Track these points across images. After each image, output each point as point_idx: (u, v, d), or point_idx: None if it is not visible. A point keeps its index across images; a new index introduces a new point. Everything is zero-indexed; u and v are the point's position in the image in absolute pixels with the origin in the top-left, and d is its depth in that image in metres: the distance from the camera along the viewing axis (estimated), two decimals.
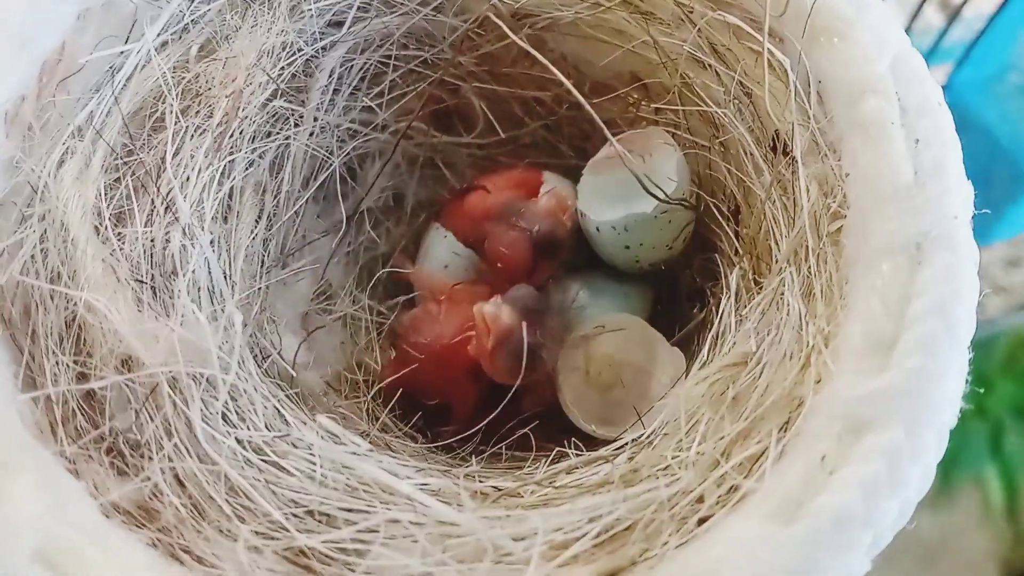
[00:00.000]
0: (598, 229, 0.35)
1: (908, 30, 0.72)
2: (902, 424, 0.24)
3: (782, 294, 0.29)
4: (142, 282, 0.28)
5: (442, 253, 0.38)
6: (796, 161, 0.29)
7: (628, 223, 0.34)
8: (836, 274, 0.28)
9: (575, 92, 0.29)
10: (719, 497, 0.26)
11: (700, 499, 0.26)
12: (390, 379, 0.35)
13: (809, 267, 0.28)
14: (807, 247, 0.29)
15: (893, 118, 0.28)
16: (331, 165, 0.36)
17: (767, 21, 0.29)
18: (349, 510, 0.26)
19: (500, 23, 0.31)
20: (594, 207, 0.35)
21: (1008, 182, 0.81)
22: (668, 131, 0.36)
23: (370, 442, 0.32)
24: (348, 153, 0.37)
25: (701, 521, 0.25)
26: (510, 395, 0.32)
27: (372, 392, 0.35)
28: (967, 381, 0.26)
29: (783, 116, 0.30)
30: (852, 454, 0.24)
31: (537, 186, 0.36)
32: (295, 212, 0.35)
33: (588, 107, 0.29)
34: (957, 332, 0.26)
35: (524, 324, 0.32)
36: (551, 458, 0.30)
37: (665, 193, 0.32)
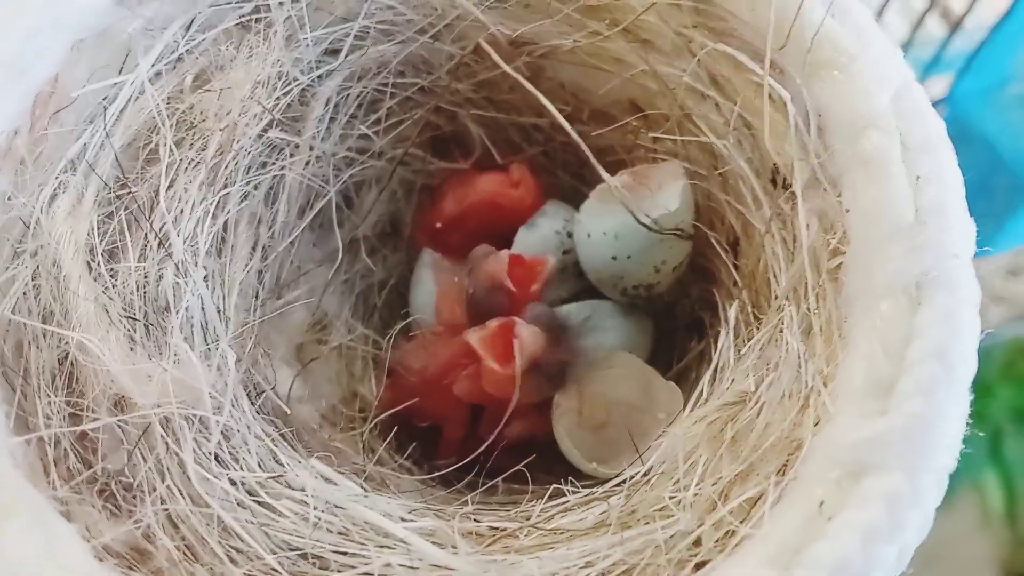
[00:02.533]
0: (589, 235, 0.34)
1: (910, 41, 0.72)
2: (902, 469, 0.24)
3: (781, 331, 0.28)
4: (135, 319, 0.28)
5: (426, 277, 0.37)
6: (796, 195, 0.29)
7: (619, 231, 0.33)
8: (836, 312, 0.28)
9: (567, 126, 0.29)
10: (716, 541, 0.25)
11: (697, 542, 0.26)
12: (389, 410, 0.35)
13: (808, 304, 0.28)
14: (806, 284, 0.28)
15: (894, 155, 0.28)
16: (327, 194, 0.36)
17: (768, 54, 0.29)
18: (343, 553, 0.26)
19: (491, 52, 0.31)
20: (590, 214, 0.35)
21: (1009, 193, 0.80)
22: (667, 159, 0.35)
23: (366, 477, 0.32)
24: (344, 181, 0.37)
25: (698, 567, 0.25)
26: (503, 422, 0.32)
27: (368, 424, 0.34)
28: (968, 424, 0.26)
29: (783, 149, 0.30)
30: (851, 499, 0.24)
31: (535, 197, 0.36)
32: (290, 242, 0.35)
33: (578, 138, 0.29)
34: (957, 374, 0.25)
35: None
36: (547, 496, 0.30)
37: (655, 220, 0.32)
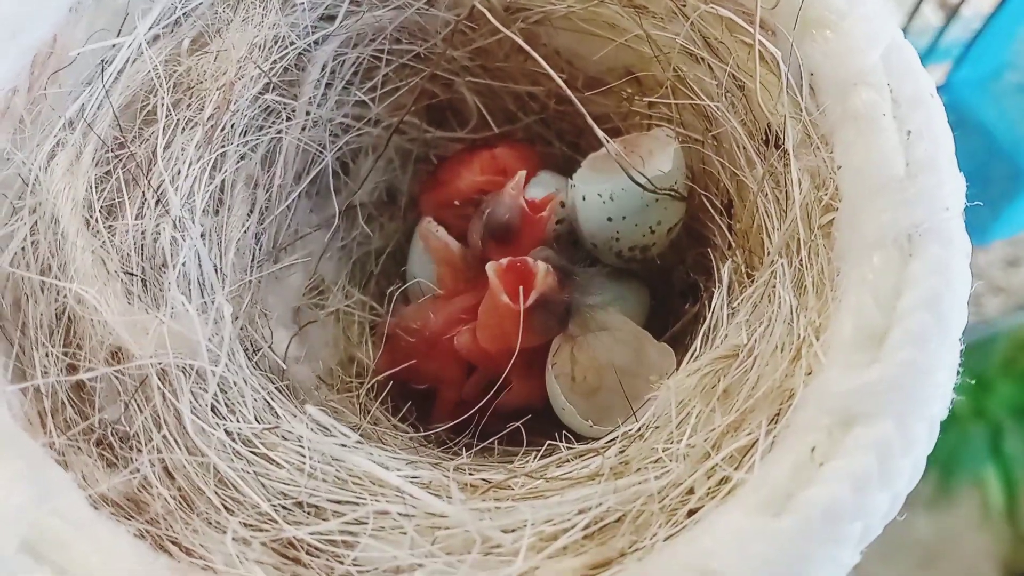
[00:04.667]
0: (584, 198, 0.35)
1: (906, 29, 0.72)
2: (892, 417, 0.24)
3: (773, 287, 0.29)
4: (132, 274, 0.28)
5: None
6: (788, 154, 0.29)
7: (614, 192, 0.34)
8: (827, 266, 0.28)
9: (566, 89, 0.29)
10: (709, 489, 0.26)
11: (690, 491, 0.26)
12: (387, 371, 0.35)
13: (801, 259, 0.28)
14: (799, 240, 0.29)
15: (885, 110, 0.28)
16: (324, 160, 0.36)
17: (758, 13, 0.29)
18: (338, 502, 0.26)
19: (489, 16, 0.31)
20: (585, 179, 0.35)
21: (1006, 181, 0.80)
22: (662, 125, 0.36)
23: (361, 435, 0.32)
24: (341, 148, 0.37)
25: (691, 513, 0.25)
26: (496, 387, 0.32)
27: (365, 385, 0.34)
28: (959, 373, 0.26)
29: (775, 109, 0.30)
30: (842, 446, 0.24)
31: (496, 183, 0.36)
32: (287, 206, 0.35)
33: (579, 105, 0.29)
34: (948, 325, 0.26)
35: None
36: (542, 452, 0.30)
37: (649, 180, 0.32)
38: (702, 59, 0.33)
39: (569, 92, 0.29)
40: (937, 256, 0.26)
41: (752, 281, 0.30)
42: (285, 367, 0.32)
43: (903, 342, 0.25)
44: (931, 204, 0.26)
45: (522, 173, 0.35)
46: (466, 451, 0.33)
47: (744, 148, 0.32)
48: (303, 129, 0.35)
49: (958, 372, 0.26)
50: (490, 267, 0.32)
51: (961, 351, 0.26)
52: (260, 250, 0.34)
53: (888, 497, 0.25)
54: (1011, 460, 0.99)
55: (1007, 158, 0.80)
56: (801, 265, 0.28)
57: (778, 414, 0.26)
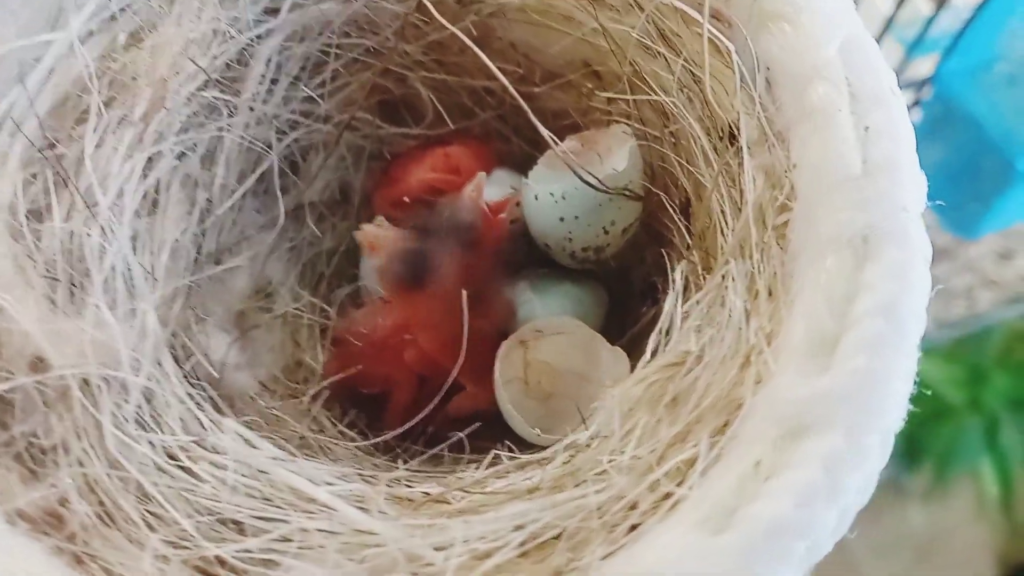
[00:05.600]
0: (536, 197, 0.33)
1: (893, 18, 0.71)
2: (842, 428, 0.23)
3: (725, 290, 0.27)
4: (56, 280, 0.27)
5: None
6: (742, 151, 0.28)
7: (566, 191, 0.32)
8: (781, 269, 0.27)
9: (509, 86, 0.28)
10: (652, 504, 0.24)
11: (633, 505, 0.25)
12: (334, 376, 0.34)
13: (754, 261, 0.27)
14: (752, 241, 0.27)
15: (841, 105, 0.27)
16: (270, 158, 0.35)
17: (707, 2, 0.28)
18: (263, 518, 0.25)
19: (434, 11, 0.30)
20: (539, 177, 0.34)
21: (997, 174, 0.79)
22: (621, 121, 0.34)
23: (304, 443, 0.31)
24: (288, 145, 0.36)
25: (632, 529, 0.24)
26: (445, 389, 0.31)
27: (311, 392, 0.33)
28: (915, 383, 0.25)
29: (732, 105, 0.29)
30: (788, 460, 0.23)
31: (477, 172, 0.35)
32: (231, 206, 0.34)
33: (520, 101, 0.28)
34: (904, 331, 0.24)
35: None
36: (485, 463, 0.29)
37: (600, 181, 0.31)
38: (658, 53, 0.32)
39: (513, 89, 0.28)
40: (894, 259, 0.25)
41: (706, 283, 0.29)
42: (217, 375, 0.31)
43: (856, 349, 0.24)
44: (889, 204, 0.25)
45: (481, 175, 0.34)
46: (413, 459, 0.31)
47: (701, 146, 0.31)
48: (247, 126, 0.34)
49: (915, 382, 0.25)
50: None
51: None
52: (200, 252, 0.33)
53: (836, 513, 0.23)
54: (1007, 452, 0.99)
55: (997, 151, 0.79)
56: (754, 267, 0.27)
57: (726, 424, 0.25)
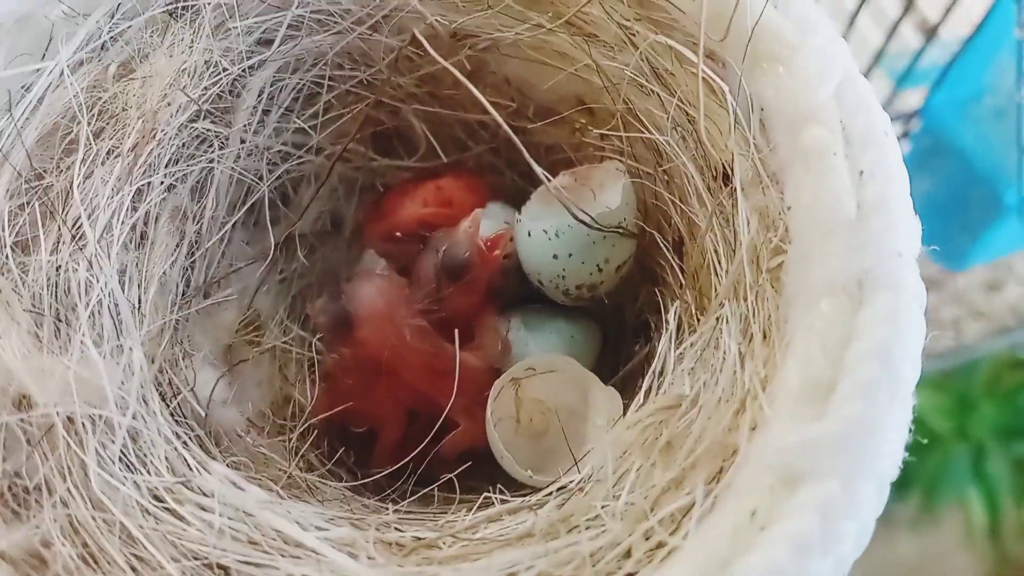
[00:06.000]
0: (530, 234, 0.33)
1: (882, 51, 0.72)
2: (837, 477, 0.23)
3: (720, 333, 0.27)
4: (42, 315, 0.27)
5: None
6: (736, 192, 0.28)
7: (559, 228, 0.32)
8: (775, 312, 0.26)
9: (502, 122, 0.27)
10: (646, 552, 0.24)
11: (627, 554, 0.24)
12: (325, 413, 0.34)
13: (748, 304, 0.27)
14: (746, 283, 0.27)
15: (836, 149, 0.27)
16: (260, 189, 0.34)
17: (702, 38, 0.28)
18: (250, 563, 0.24)
19: (425, 43, 0.29)
20: (532, 213, 0.34)
21: (984, 206, 0.80)
22: (614, 158, 0.34)
23: (290, 484, 0.30)
24: (280, 177, 0.35)
25: None
26: (438, 426, 0.31)
27: (299, 429, 0.33)
28: (911, 431, 0.25)
29: (726, 145, 0.29)
30: (784, 509, 0.23)
31: (472, 206, 0.35)
32: (220, 238, 0.34)
33: (513, 136, 0.28)
34: (899, 377, 0.24)
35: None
36: (476, 506, 0.28)
37: (594, 219, 0.31)
38: (652, 91, 0.31)
39: (506, 125, 0.28)
40: (888, 304, 0.25)
41: (700, 324, 0.29)
42: (204, 412, 0.30)
43: (851, 395, 0.24)
44: (883, 248, 0.25)
45: (478, 211, 0.34)
46: (404, 499, 0.31)
47: (695, 185, 0.30)
48: (238, 158, 0.33)
49: (910, 430, 0.24)
50: None
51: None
52: (189, 285, 0.33)
53: (832, 563, 0.23)
54: (994, 481, 0.99)
55: (985, 183, 0.79)
56: (748, 310, 0.27)
57: (720, 471, 0.25)
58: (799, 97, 0.27)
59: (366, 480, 0.32)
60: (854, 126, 0.27)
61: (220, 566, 0.24)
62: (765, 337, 0.26)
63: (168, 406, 0.29)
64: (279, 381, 0.35)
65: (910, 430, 0.24)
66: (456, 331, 0.30)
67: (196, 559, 0.24)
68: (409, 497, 0.31)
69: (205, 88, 0.31)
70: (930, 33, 0.73)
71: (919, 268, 0.26)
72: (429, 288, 0.34)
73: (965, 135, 0.81)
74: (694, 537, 0.23)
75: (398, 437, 0.34)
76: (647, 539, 0.24)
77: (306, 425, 0.33)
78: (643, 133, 0.32)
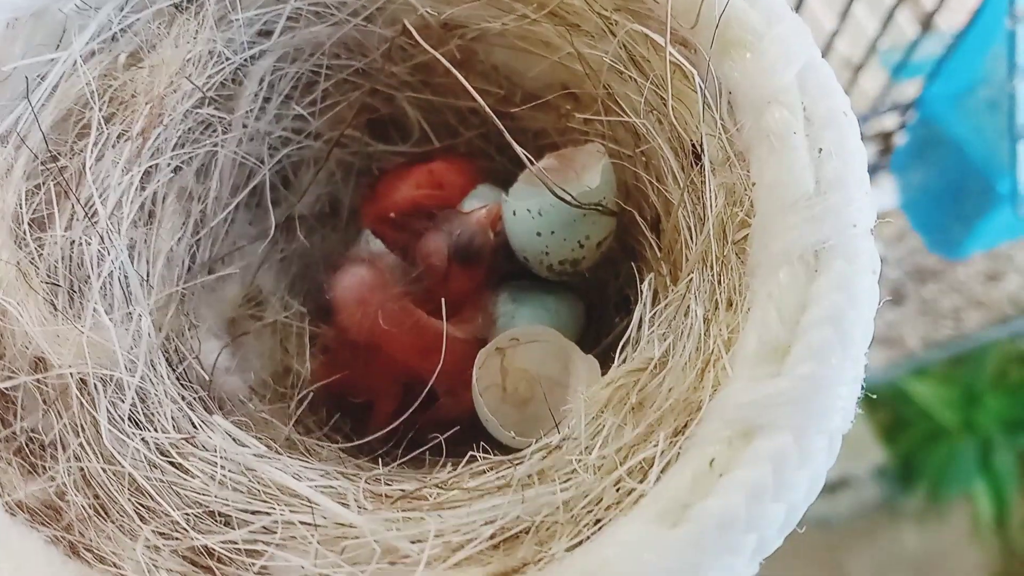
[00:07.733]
0: (514, 213, 0.35)
1: (877, 40, 0.73)
2: (790, 430, 0.25)
3: (689, 300, 0.29)
4: (57, 285, 0.29)
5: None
6: (705, 170, 0.30)
7: (543, 207, 0.34)
8: (739, 281, 0.28)
9: (487, 109, 0.29)
10: (616, 499, 0.26)
11: (598, 501, 0.26)
12: (323, 381, 0.36)
13: (715, 274, 0.29)
14: (713, 254, 0.29)
15: (796, 128, 0.28)
16: (262, 172, 0.37)
17: (668, 24, 0.30)
18: (248, 511, 0.26)
19: (415, 33, 0.31)
20: (518, 193, 0.36)
21: (979, 196, 0.81)
22: (596, 141, 0.36)
23: (290, 444, 0.32)
24: (280, 161, 0.38)
25: (597, 523, 0.26)
26: (425, 391, 0.33)
27: (298, 395, 0.35)
28: (862, 388, 0.26)
29: (696, 126, 0.31)
30: (740, 458, 0.25)
31: (462, 188, 0.37)
32: (224, 218, 0.36)
33: (497, 122, 0.29)
34: (850, 340, 0.26)
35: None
36: (463, 463, 0.30)
37: (574, 197, 0.33)
38: (630, 77, 0.33)
39: (490, 111, 0.30)
40: (842, 272, 0.26)
41: (671, 294, 0.31)
42: (209, 378, 0.33)
43: (805, 356, 0.26)
44: (839, 221, 0.27)
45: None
46: (395, 462, 0.33)
47: (670, 165, 0.32)
48: (240, 142, 0.35)
49: (862, 387, 0.26)
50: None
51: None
52: (195, 261, 0.35)
53: (784, 508, 0.25)
54: (1001, 473, 1.00)
55: (980, 173, 0.81)
56: (715, 279, 0.29)
57: (685, 425, 0.27)
58: (764, 81, 0.29)
59: (360, 443, 0.34)
60: (815, 107, 0.29)
61: (221, 514, 0.26)
62: (730, 304, 0.28)
63: (174, 371, 0.31)
64: (280, 353, 0.37)
65: (861, 388, 0.26)
66: (443, 304, 0.32)
67: (199, 507, 0.26)
68: (400, 459, 0.33)
69: (209, 76, 0.33)
70: (926, 22, 0.74)
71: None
72: (431, 267, 0.35)
73: (960, 126, 0.82)
74: (658, 483, 0.25)
75: (392, 407, 0.36)
76: (617, 488, 0.26)
77: (304, 392, 0.35)
78: (622, 117, 0.34)
